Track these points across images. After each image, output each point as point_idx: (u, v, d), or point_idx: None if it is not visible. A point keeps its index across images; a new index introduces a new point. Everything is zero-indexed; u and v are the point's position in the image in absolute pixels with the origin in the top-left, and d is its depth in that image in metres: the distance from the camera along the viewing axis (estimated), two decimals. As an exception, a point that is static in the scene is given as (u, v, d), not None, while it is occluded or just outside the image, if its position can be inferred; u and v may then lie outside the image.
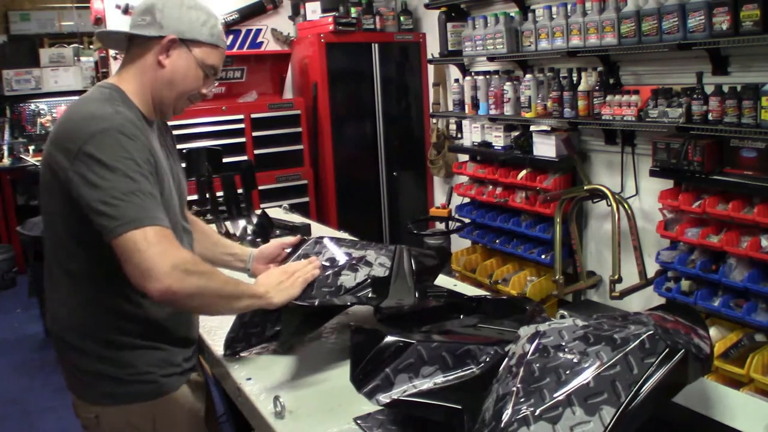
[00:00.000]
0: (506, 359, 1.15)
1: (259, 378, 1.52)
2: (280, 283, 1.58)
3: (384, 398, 1.20)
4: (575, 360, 1.06)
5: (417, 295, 1.61)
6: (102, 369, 1.52)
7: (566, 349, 1.08)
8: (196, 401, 1.66)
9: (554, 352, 1.09)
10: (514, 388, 1.06)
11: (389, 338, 1.26)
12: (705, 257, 3.02)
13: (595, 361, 1.04)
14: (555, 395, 1.02)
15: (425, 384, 1.20)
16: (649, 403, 1.01)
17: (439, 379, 1.20)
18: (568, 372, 1.04)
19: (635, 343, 1.05)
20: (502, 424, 1.02)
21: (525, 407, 1.02)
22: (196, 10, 1.55)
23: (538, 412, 1.01)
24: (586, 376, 1.03)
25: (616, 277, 3.35)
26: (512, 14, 3.92)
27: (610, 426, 0.97)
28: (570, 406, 1.00)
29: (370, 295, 1.58)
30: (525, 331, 1.18)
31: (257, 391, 1.46)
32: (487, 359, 1.20)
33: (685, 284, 3.08)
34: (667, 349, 1.04)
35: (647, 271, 3.35)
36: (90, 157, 1.37)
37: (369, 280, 1.61)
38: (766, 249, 2.73)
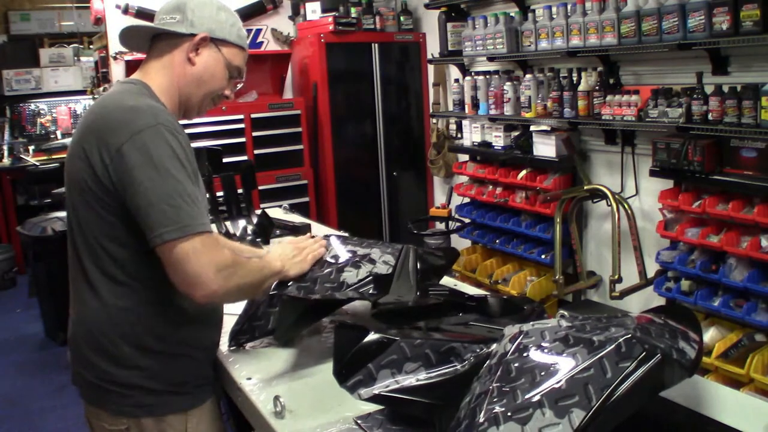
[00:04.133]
0: (489, 358, 1.15)
1: (258, 377, 1.52)
2: (294, 257, 1.63)
3: (365, 393, 1.20)
4: (551, 361, 1.06)
5: (418, 294, 1.62)
6: (135, 378, 1.47)
7: (545, 350, 1.08)
8: (219, 411, 1.66)
9: (533, 352, 1.09)
10: (490, 387, 1.06)
11: (372, 334, 1.25)
12: (705, 257, 3.01)
13: (571, 363, 1.04)
14: (527, 396, 1.02)
15: (408, 380, 1.20)
16: (622, 407, 1.00)
17: (422, 375, 1.20)
18: (542, 373, 1.04)
19: (611, 347, 1.04)
20: (474, 423, 1.02)
21: (497, 407, 1.02)
22: (225, 11, 1.59)
23: (508, 412, 1.01)
24: (559, 378, 1.02)
25: (616, 277, 3.35)
26: (512, 14, 3.92)
27: (579, 429, 0.97)
28: (540, 407, 1.00)
29: (371, 291, 1.59)
30: (509, 330, 1.18)
31: (257, 391, 1.46)
32: (471, 357, 1.20)
33: (685, 284, 3.08)
34: (643, 353, 1.03)
35: (647, 271, 3.35)
36: (136, 154, 1.35)
37: (371, 277, 1.62)
38: (766, 249, 2.73)
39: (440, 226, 4.90)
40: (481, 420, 1.01)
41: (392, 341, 1.24)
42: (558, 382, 1.02)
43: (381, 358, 1.22)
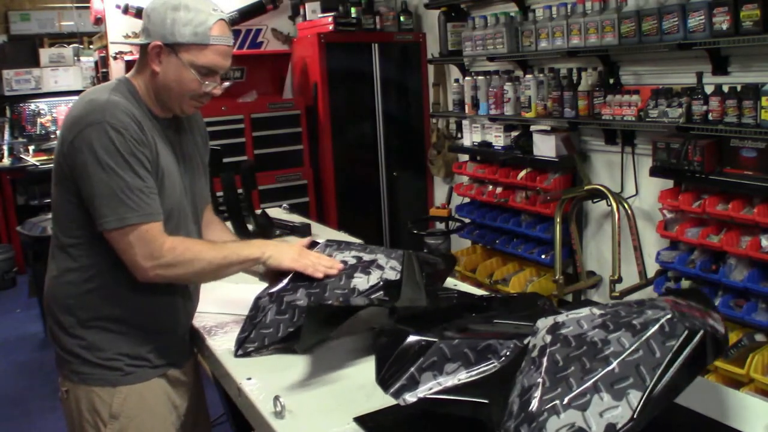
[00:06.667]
0: (528, 352, 1.16)
1: (259, 378, 1.52)
2: (290, 253, 1.66)
3: (411, 397, 1.20)
4: (597, 348, 1.08)
5: (427, 298, 1.62)
6: (74, 346, 1.59)
7: (587, 338, 1.10)
8: (169, 398, 1.68)
9: (575, 341, 1.11)
10: (540, 379, 1.07)
11: (412, 337, 1.26)
12: (705, 257, 3.01)
13: (618, 348, 1.07)
14: (581, 383, 1.04)
15: (449, 381, 1.20)
16: (674, 385, 1.03)
17: (463, 375, 1.20)
18: (592, 360, 1.07)
19: (655, 328, 1.07)
20: (532, 415, 1.04)
21: (553, 397, 1.04)
22: (181, 10, 1.50)
23: (566, 400, 1.03)
24: (610, 362, 1.05)
25: (616, 277, 3.35)
26: (512, 14, 3.92)
27: (638, 409, 0.99)
28: (597, 392, 1.02)
29: (382, 297, 1.59)
30: (543, 322, 1.19)
31: (257, 391, 1.46)
32: (508, 353, 1.21)
33: (685, 284, 3.08)
34: (686, 332, 1.06)
35: (647, 271, 3.35)
36: (82, 149, 1.45)
37: (381, 283, 1.62)
38: (766, 249, 2.73)
39: (440, 226, 4.89)
40: (540, 410, 1.03)
41: (431, 343, 1.24)
42: (610, 366, 1.04)
43: (422, 361, 1.22)
